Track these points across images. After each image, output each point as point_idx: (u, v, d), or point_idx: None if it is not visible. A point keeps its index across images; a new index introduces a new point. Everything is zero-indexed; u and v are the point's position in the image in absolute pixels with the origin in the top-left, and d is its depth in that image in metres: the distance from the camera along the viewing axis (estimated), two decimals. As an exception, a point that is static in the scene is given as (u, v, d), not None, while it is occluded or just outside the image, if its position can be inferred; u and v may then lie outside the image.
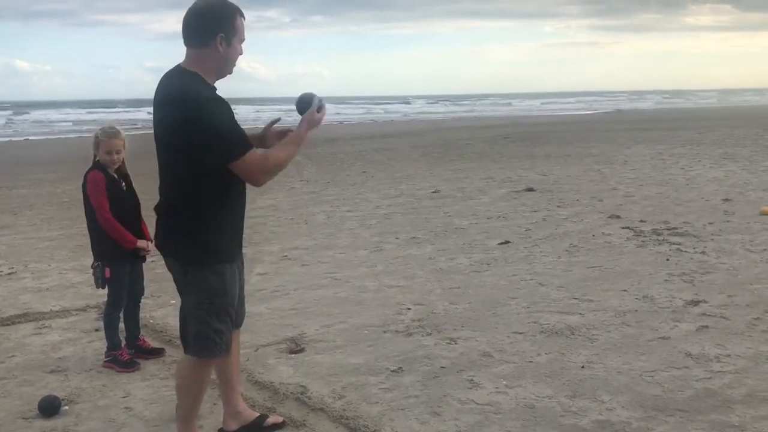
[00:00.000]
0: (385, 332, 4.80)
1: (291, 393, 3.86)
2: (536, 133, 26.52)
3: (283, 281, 6.25)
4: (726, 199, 9.73)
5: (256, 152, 2.94)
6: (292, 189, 12.01)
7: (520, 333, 4.68)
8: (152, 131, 3.02)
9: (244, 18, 2.99)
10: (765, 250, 6.76)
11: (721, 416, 3.39)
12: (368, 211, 9.80)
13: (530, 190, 11.18)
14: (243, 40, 3.01)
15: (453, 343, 4.54)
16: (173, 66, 3.02)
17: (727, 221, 8.24)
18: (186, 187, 2.94)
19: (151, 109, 3.04)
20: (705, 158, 15.26)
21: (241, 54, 3.02)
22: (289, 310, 5.39)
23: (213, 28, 2.91)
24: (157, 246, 3.15)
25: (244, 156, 2.85)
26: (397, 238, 7.91)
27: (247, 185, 3.05)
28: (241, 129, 2.95)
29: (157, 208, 3.11)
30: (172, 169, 2.98)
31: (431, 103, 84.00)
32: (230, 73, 3.07)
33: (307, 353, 4.47)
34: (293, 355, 4.45)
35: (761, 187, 10.88)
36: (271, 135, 3.29)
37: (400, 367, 4.15)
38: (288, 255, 7.27)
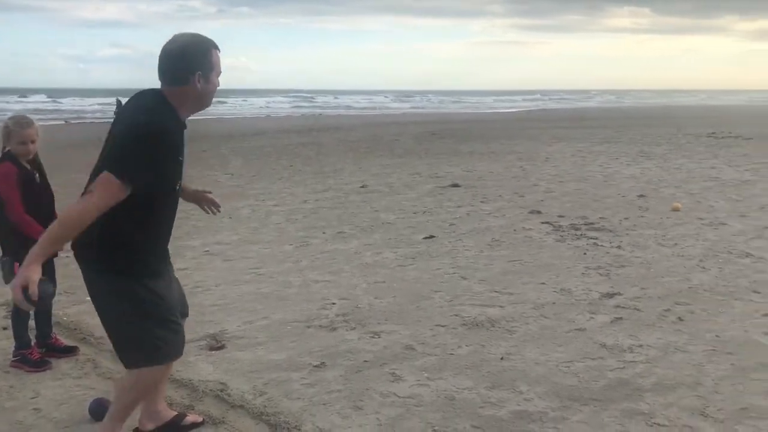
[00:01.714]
0: (308, 327, 4.77)
1: (210, 390, 3.78)
2: (463, 130, 26.92)
3: (205, 277, 6.12)
4: (641, 195, 10.12)
5: (96, 195, 2.68)
6: (216, 182, 11.77)
7: (443, 326, 4.74)
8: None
9: (220, 51, 2.93)
10: (676, 244, 7.06)
11: (632, 404, 3.52)
12: (295, 206, 9.72)
13: (455, 185, 11.33)
14: (220, 73, 2.94)
15: (376, 337, 4.55)
16: (152, 89, 2.93)
17: (642, 217, 8.57)
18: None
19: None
20: (622, 156, 15.83)
21: (218, 86, 2.96)
22: (210, 306, 5.28)
23: (190, 67, 2.83)
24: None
25: (111, 177, 2.66)
26: (323, 233, 7.87)
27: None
28: (158, 171, 2.78)
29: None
30: None
31: (361, 98, 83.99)
32: (208, 106, 3.04)
33: (228, 350, 4.39)
34: (213, 351, 4.36)
35: (673, 184, 11.37)
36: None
37: (323, 362, 4.13)
38: (210, 250, 7.13)
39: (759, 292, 5.42)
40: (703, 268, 6.17)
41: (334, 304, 5.27)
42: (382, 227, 8.17)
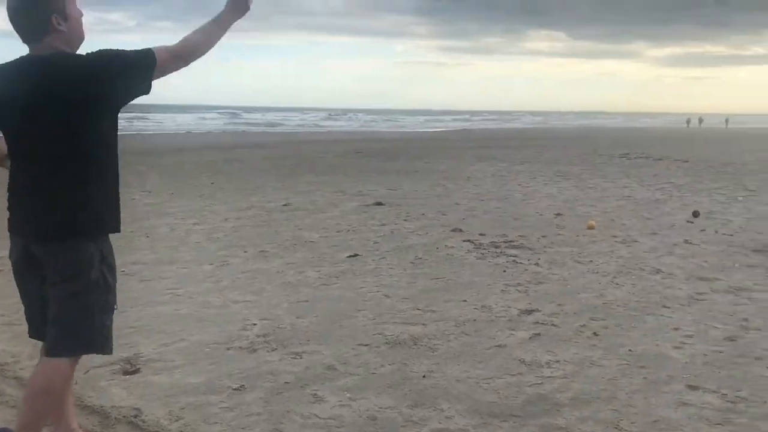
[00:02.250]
0: (228, 349, 4.65)
1: (124, 416, 3.62)
2: (388, 148, 27.16)
3: (120, 298, 5.84)
4: (558, 214, 10.43)
5: (162, 52, 2.82)
6: (132, 201, 11.41)
7: (365, 345, 4.71)
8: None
9: None
10: (591, 261, 7.29)
11: (550, 419, 3.58)
12: (216, 224, 9.52)
13: (379, 204, 11.38)
14: None
15: (298, 357, 4.48)
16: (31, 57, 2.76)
17: (559, 234, 8.82)
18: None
19: None
20: (540, 176, 16.31)
21: (82, 14, 2.80)
22: (124, 328, 5.05)
23: (42, 15, 2.67)
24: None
25: (156, 65, 2.79)
26: (245, 252, 7.73)
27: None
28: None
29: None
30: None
31: (285, 114, 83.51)
32: (84, 38, 2.86)
33: (143, 374, 4.23)
34: (127, 376, 4.19)
35: (588, 202, 11.78)
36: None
37: (243, 385, 4.03)
38: (126, 270, 6.86)
39: (668, 307, 5.64)
40: (617, 284, 6.39)
41: (254, 324, 5.16)
42: (305, 246, 8.10)
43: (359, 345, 4.71)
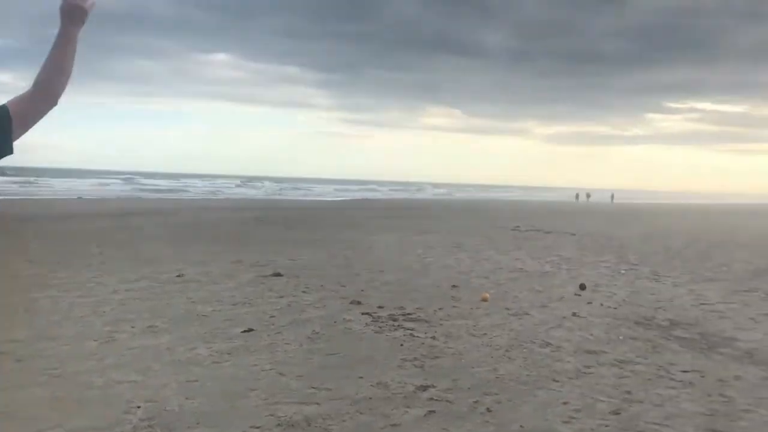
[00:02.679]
0: (108, 435, 4.37)
1: None
2: (290, 217, 27.04)
3: (-10, 380, 5.45)
4: (454, 286, 10.63)
5: (15, 101, 2.36)
6: (12, 271, 10.73)
7: (257, 427, 4.56)
8: None
9: None
10: (485, 334, 7.44)
11: (442, 502, 3.55)
12: (103, 297, 9.06)
13: (278, 275, 11.23)
14: None
15: (185, 443, 4.27)
16: None
17: (455, 306, 8.97)
18: None
19: None
20: (439, 246, 16.65)
21: None
22: (-7, 414, 4.69)
23: None
24: None
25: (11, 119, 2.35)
26: (132, 327, 7.38)
27: None
28: None
29: None
30: None
31: (190, 181, 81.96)
32: None
33: (11, 466, 3.89)
34: (-8, 469, 3.84)
35: (483, 274, 12.09)
36: None
37: (123, 475, 3.78)
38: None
39: (558, 381, 5.80)
40: (509, 357, 6.52)
41: (139, 407, 4.89)
42: (197, 320, 7.83)
43: (251, 427, 4.55)
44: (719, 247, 18.66)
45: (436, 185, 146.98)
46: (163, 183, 71.77)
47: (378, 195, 72.35)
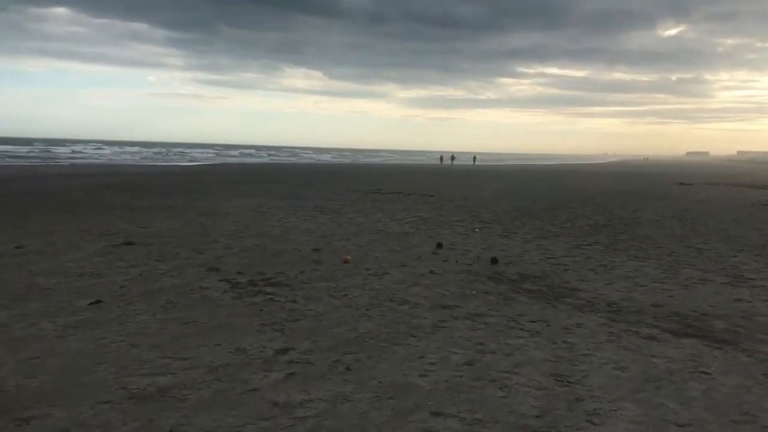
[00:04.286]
0: (-67, 423, 3.97)
1: None
2: (139, 183, 25.76)
3: None
4: (315, 249, 10.61)
5: None
6: None
7: (106, 402, 4.31)
8: None
9: None
10: (346, 295, 7.49)
11: (302, 462, 3.54)
12: (-73, 273, 8.19)
13: (129, 243, 10.68)
14: None
15: (24, 424, 3.96)
16: None
17: (316, 270, 8.96)
18: None
19: None
20: (300, 211, 16.53)
21: None
22: None
23: None
24: None
25: None
26: (-37, 304, 6.74)
27: None
28: None
29: None
30: None
31: (25, 147, 75.71)
32: None
33: None
34: None
35: (344, 237, 12.16)
36: None
37: (-49, 465, 3.46)
38: None
39: (415, 336, 5.96)
40: (369, 316, 6.61)
41: (-30, 390, 4.48)
42: (39, 294, 7.28)
43: (99, 403, 4.29)
44: (564, 205, 19.92)
45: (297, 149, 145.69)
46: (2, 149, 65.90)
47: (236, 159, 70.60)
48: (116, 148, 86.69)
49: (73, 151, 70.03)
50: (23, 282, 7.83)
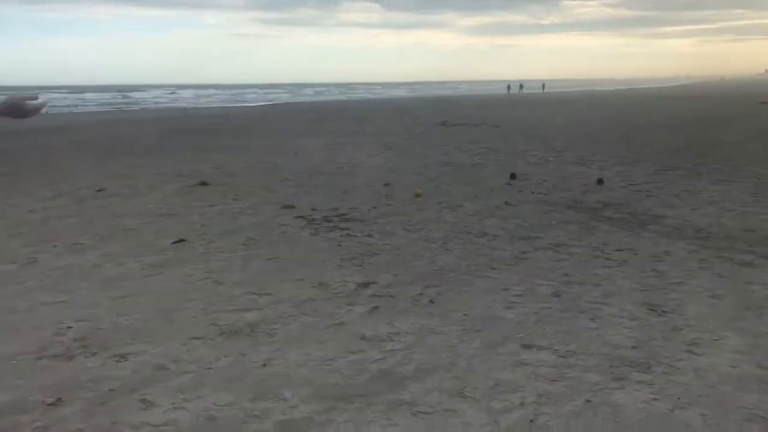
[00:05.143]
0: (39, 359, 4.14)
1: None
2: (209, 125, 26.11)
3: None
4: (386, 184, 10.53)
5: None
6: None
7: (198, 338, 4.40)
8: None
9: None
10: (421, 229, 7.41)
11: (396, 395, 3.53)
12: (18, 218, 8.53)
13: (204, 184, 10.85)
14: None
15: (123, 360, 4.08)
16: None
17: (388, 204, 8.90)
18: None
19: None
20: (366, 147, 16.43)
21: None
22: None
23: None
24: None
25: None
26: (54, 247, 6.99)
27: None
28: None
29: None
30: None
31: (96, 94, 77.71)
32: None
33: (-66, 400, 3.63)
34: None
35: (413, 171, 12.02)
36: None
37: (60, 398, 3.59)
38: None
39: (496, 269, 5.85)
40: (447, 249, 6.53)
41: (70, 327, 4.64)
42: (124, 234, 7.49)
43: (191, 339, 4.39)
44: (639, 130, 19.16)
45: (359, 86, 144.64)
46: (71, 97, 67.80)
47: (299, 98, 70.70)
48: (186, 91, 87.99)
49: (154, 97, 71.18)
50: (108, 223, 8.06)
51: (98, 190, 10.42)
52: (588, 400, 3.43)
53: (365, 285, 5.42)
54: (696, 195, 9.19)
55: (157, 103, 56.83)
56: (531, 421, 3.25)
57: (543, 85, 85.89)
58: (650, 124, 21.52)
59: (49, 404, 3.54)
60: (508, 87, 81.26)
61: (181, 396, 3.59)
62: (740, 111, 27.21)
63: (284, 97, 74.25)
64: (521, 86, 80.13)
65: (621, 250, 6.37)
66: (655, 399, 3.43)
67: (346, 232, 7.31)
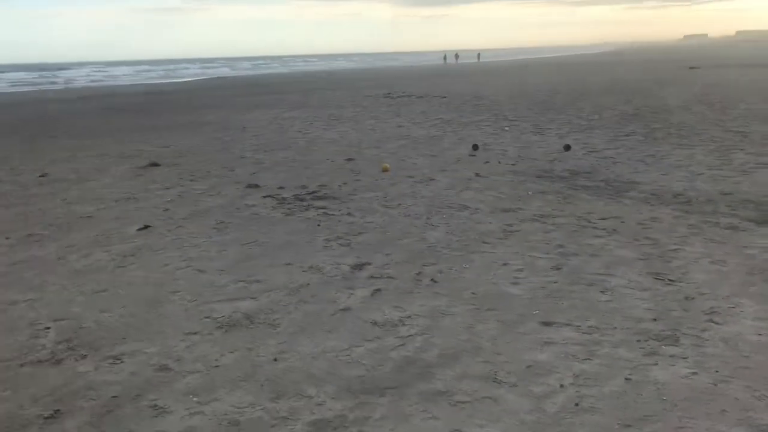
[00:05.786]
0: (22, 366, 3.74)
1: None
2: (143, 103, 25.07)
3: None
4: (349, 159, 10.24)
5: None
6: None
7: (195, 333, 4.08)
8: None
9: None
10: (399, 204, 7.19)
11: (427, 384, 3.33)
12: (-42, 208, 7.88)
13: (155, 164, 10.32)
14: None
15: (118, 362, 3.73)
16: None
17: (357, 180, 8.63)
18: None
19: None
20: (316, 120, 16.04)
21: None
22: None
23: None
24: None
25: None
26: (7, 239, 6.45)
27: None
28: None
29: None
30: None
31: (13, 73, 73.75)
32: None
33: None
34: None
35: (372, 144, 11.76)
36: None
37: (57, 410, 3.24)
38: None
39: (488, 243, 5.69)
40: (432, 225, 6.33)
41: (48, 328, 4.24)
42: (82, 222, 6.99)
43: (188, 335, 4.06)
44: (584, 96, 19.35)
45: (296, 58, 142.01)
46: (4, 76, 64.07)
47: (238, 72, 68.89)
48: (105, 68, 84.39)
49: (84, 75, 67.64)
50: (60, 212, 7.52)
51: (41, 176, 9.77)
52: (627, 378, 3.31)
53: (359, 267, 5.17)
54: (661, 160, 9.26)
55: (93, 81, 54.25)
56: (576, 404, 3.10)
57: (478, 55, 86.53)
58: (593, 90, 21.78)
59: (47, 417, 3.18)
60: (445, 57, 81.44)
61: (195, 399, 3.29)
62: (674, 75, 27.89)
63: (223, 71, 72.32)
64: (457, 56, 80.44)
65: (606, 219, 6.31)
66: (695, 373, 3.34)
67: (323, 210, 7.02)
